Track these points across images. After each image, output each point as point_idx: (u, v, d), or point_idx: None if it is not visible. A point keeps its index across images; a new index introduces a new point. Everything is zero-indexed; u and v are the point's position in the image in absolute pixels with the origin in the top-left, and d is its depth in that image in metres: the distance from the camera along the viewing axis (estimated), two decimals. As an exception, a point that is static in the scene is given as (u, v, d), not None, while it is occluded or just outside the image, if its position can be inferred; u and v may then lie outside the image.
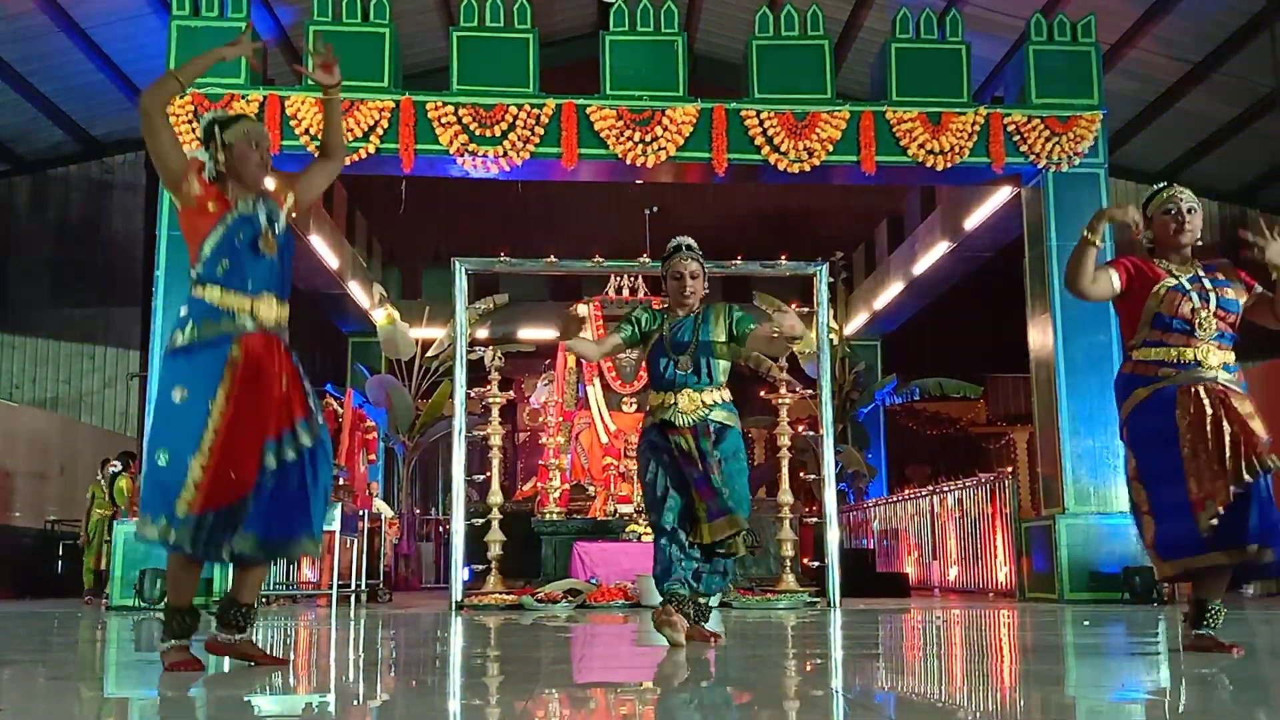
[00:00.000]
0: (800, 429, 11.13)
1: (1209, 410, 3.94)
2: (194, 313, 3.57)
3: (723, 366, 4.84)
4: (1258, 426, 3.95)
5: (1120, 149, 14.13)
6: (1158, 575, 4.24)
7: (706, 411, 4.73)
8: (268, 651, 4.11)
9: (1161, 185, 4.29)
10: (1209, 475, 3.87)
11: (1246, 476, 3.83)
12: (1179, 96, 13.57)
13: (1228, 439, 3.88)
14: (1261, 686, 3.33)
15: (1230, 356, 4.08)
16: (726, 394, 4.85)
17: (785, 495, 9.95)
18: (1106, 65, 11.15)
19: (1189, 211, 4.14)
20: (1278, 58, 11.45)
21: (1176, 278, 4.10)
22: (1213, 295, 4.06)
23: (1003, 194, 11.13)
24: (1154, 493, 4.06)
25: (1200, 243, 4.21)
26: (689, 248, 4.90)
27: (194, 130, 9.65)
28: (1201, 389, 3.98)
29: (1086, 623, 6.32)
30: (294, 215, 3.83)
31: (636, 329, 4.92)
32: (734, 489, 4.69)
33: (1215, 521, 3.84)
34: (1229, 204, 15.62)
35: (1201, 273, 4.13)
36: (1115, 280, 4.15)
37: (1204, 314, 4.03)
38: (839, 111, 10.15)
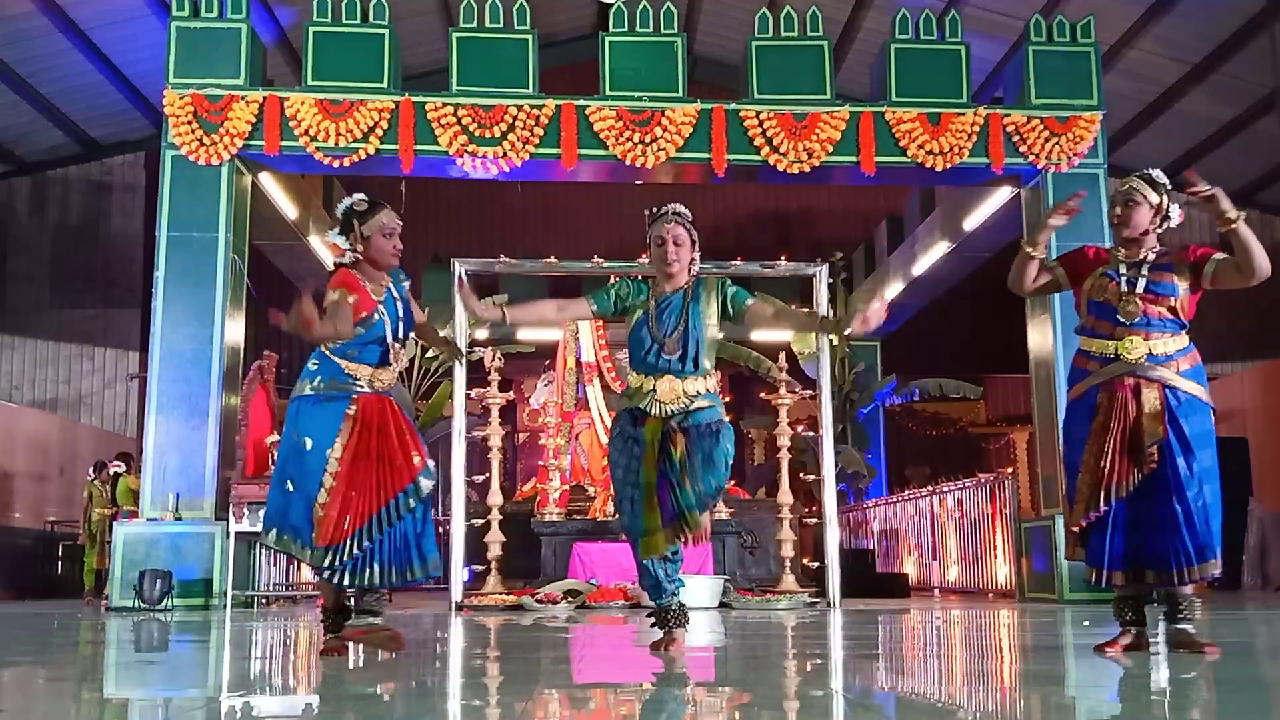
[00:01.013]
0: (800, 429, 11.13)
1: (1102, 422, 4.02)
2: (323, 370, 4.22)
3: (711, 351, 4.40)
4: (1152, 428, 3.96)
5: (1120, 149, 14.12)
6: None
7: (688, 402, 4.29)
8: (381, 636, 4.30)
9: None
10: (1086, 491, 4.03)
11: (1090, 515, 4.01)
12: (1179, 97, 13.57)
13: (1110, 457, 3.99)
14: (1260, 687, 3.33)
15: (1163, 345, 4.03)
16: (711, 382, 4.42)
17: (785, 496, 9.96)
18: (1106, 65, 11.15)
19: (1127, 204, 4.12)
20: (1277, 58, 11.45)
21: (1115, 264, 4.12)
22: (1141, 280, 4.05)
23: (1002, 194, 11.12)
24: (1068, 487, 4.20)
25: (1183, 218, 4.19)
26: (676, 213, 4.40)
27: (193, 130, 9.67)
28: (1107, 396, 4.04)
29: (1086, 623, 6.32)
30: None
31: (611, 298, 4.46)
32: (711, 479, 4.26)
33: (1071, 533, 4.10)
34: (1228, 204, 15.59)
35: (1150, 258, 4.09)
36: (1061, 274, 4.25)
37: (1127, 299, 4.03)
38: (838, 112, 10.15)
